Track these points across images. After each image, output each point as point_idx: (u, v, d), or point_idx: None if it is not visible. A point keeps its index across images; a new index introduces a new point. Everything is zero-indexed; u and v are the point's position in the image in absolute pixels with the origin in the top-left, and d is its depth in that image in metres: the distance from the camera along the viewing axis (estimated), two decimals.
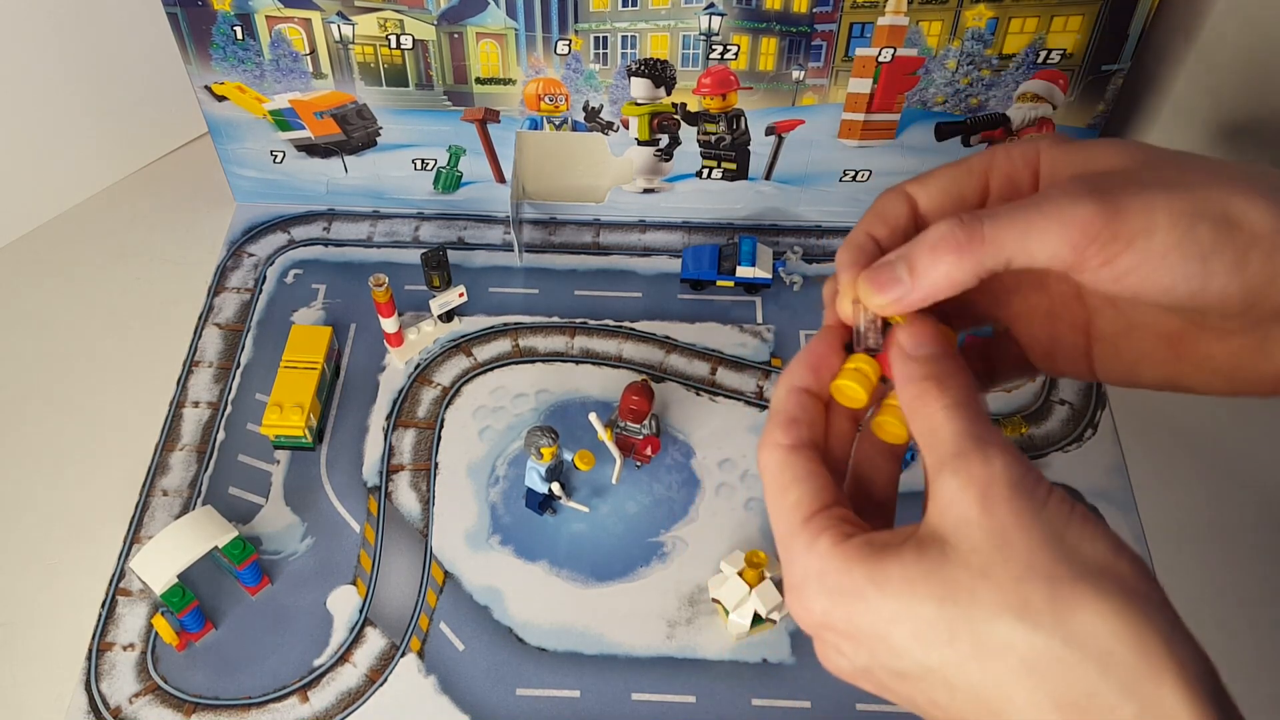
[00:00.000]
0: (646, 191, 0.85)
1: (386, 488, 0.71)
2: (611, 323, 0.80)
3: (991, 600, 0.29)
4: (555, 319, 0.80)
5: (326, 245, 0.85)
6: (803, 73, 0.75)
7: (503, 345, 0.79)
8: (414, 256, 0.84)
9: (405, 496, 0.70)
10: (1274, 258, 0.31)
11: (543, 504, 0.69)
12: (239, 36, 0.75)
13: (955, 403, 0.32)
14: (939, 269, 0.32)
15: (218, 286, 0.82)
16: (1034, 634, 0.29)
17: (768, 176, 0.83)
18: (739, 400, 0.76)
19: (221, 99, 0.79)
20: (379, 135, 0.81)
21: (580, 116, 0.79)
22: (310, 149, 0.83)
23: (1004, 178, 0.35)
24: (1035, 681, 0.29)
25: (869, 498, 0.37)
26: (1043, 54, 0.74)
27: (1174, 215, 0.31)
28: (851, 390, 0.35)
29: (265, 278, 0.83)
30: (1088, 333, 0.38)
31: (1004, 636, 0.29)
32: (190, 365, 0.77)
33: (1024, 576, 0.29)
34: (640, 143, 0.81)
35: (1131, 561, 0.30)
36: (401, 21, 0.73)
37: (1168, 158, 0.33)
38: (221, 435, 0.73)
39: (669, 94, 0.77)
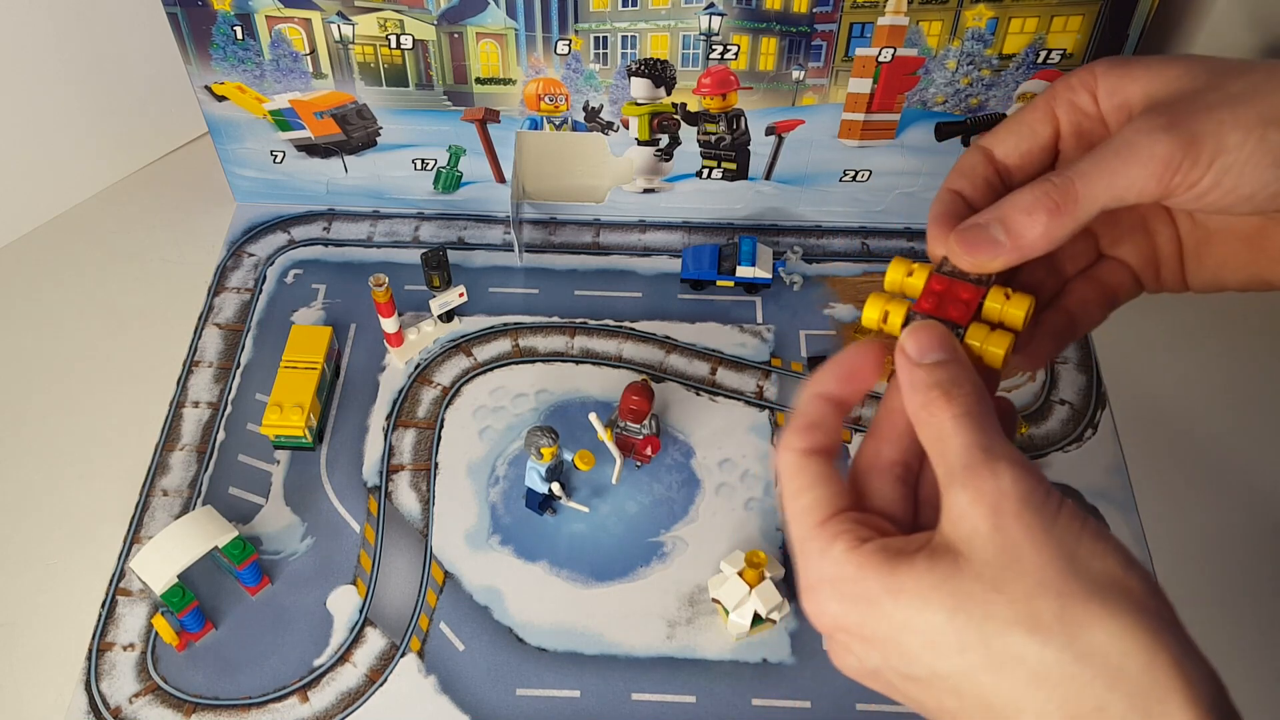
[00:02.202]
0: (646, 191, 0.85)
1: (386, 488, 0.71)
2: (611, 323, 0.80)
3: (1003, 614, 0.30)
4: (555, 319, 0.80)
5: (326, 245, 0.85)
6: (803, 73, 0.75)
7: (503, 345, 0.79)
8: (414, 256, 0.84)
9: (405, 496, 0.70)
10: None
11: (543, 504, 0.69)
12: (239, 36, 0.75)
13: (963, 413, 0.32)
14: (1036, 230, 0.34)
15: (218, 286, 0.82)
16: (1044, 648, 0.29)
17: (768, 176, 0.83)
18: (739, 400, 0.76)
19: (221, 99, 0.79)
20: (379, 135, 0.81)
21: (580, 116, 0.79)
22: (310, 149, 0.83)
23: (1068, 105, 0.37)
24: (1045, 694, 0.29)
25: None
26: (1043, 54, 0.74)
27: (1244, 129, 0.32)
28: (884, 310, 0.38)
29: (265, 278, 0.83)
30: (1179, 245, 0.40)
31: (1015, 649, 0.29)
32: (190, 365, 0.77)
33: (1035, 592, 0.29)
34: (640, 143, 0.81)
35: (1142, 578, 0.30)
36: (401, 21, 0.73)
37: (1230, 69, 0.34)
38: (221, 435, 0.73)
39: (669, 94, 0.77)
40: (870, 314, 0.39)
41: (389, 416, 0.74)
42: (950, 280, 0.38)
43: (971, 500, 0.31)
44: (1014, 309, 0.37)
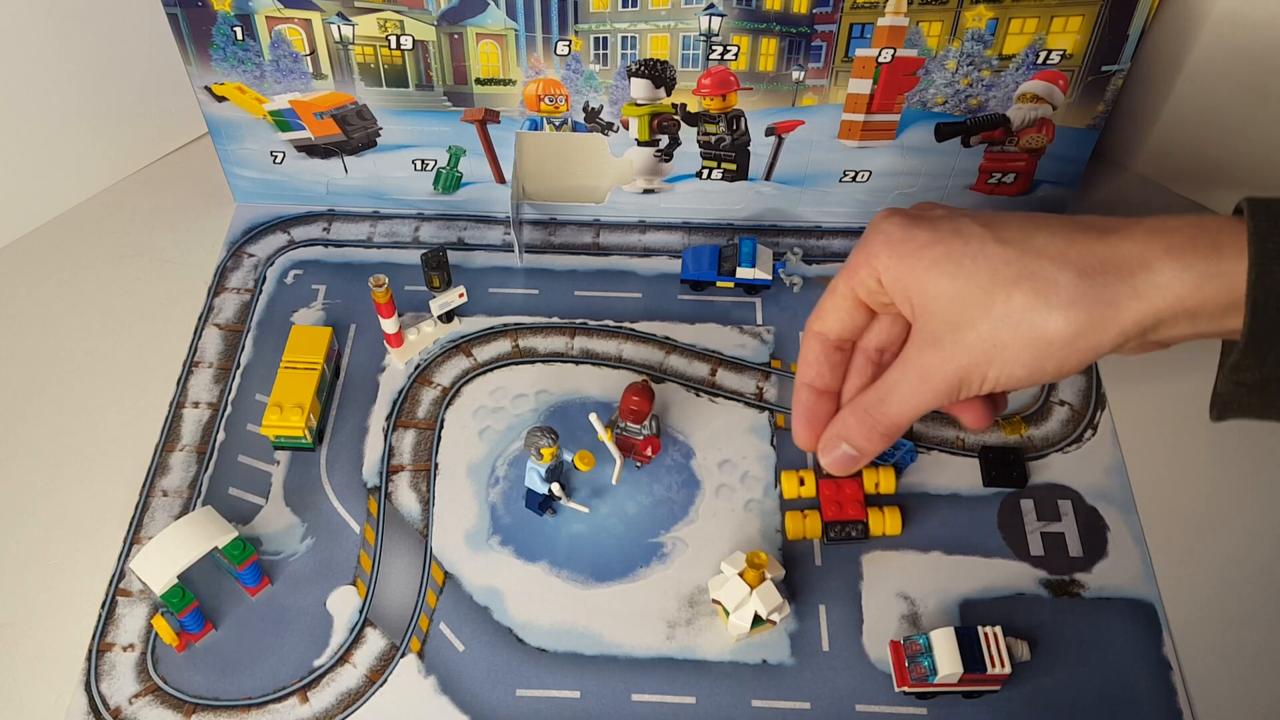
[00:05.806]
0: (646, 192, 0.85)
1: (386, 488, 0.71)
2: (611, 323, 0.80)
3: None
4: (555, 319, 0.80)
5: (326, 246, 0.85)
6: (803, 73, 0.75)
7: (503, 346, 0.79)
8: (414, 257, 0.84)
9: (405, 497, 0.71)
10: (1069, 358, 0.42)
11: (543, 504, 0.69)
12: (239, 37, 0.75)
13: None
14: (876, 448, 0.48)
15: (218, 287, 0.82)
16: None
17: (768, 177, 0.83)
18: (739, 401, 0.76)
19: (221, 99, 0.79)
20: (379, 136, 0.81)
21: (580, 117, 0.79)
22: (310, 149, 0.83)
23: (867, 292, 0.47)
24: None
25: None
26: (1043, 54, 0.74)
27: (1008, 362, 0.43)
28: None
29: (265, 278, 0.83)
30: None
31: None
32: (190, 365, 0.77)
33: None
34: (640, 143, 0.81)
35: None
36: (401, 22, 0.73)
37: (984, 279, 0.43)
38: (221, 436, 0.73)
39: (669, 94, 0.77)
40: (794, 529, 0.67)
41: (389, 417, 0.75)
42: (835, 483, 0.67)
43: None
44: (885, 479, 0.68)
